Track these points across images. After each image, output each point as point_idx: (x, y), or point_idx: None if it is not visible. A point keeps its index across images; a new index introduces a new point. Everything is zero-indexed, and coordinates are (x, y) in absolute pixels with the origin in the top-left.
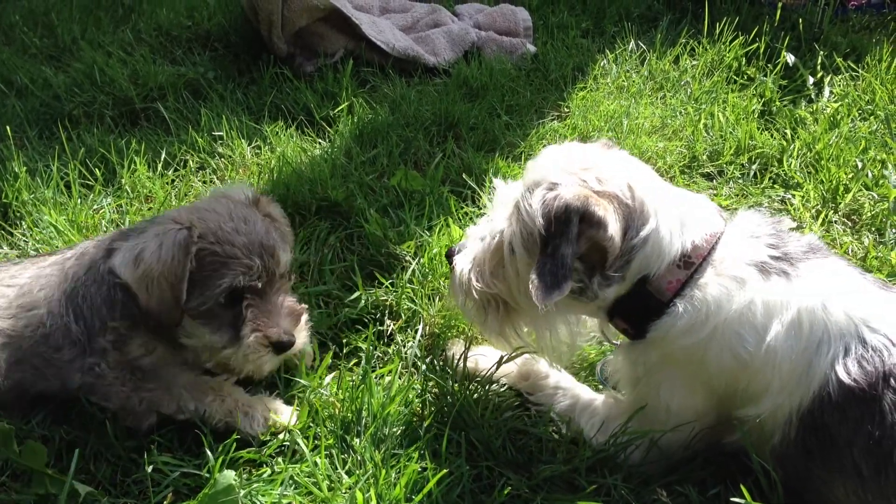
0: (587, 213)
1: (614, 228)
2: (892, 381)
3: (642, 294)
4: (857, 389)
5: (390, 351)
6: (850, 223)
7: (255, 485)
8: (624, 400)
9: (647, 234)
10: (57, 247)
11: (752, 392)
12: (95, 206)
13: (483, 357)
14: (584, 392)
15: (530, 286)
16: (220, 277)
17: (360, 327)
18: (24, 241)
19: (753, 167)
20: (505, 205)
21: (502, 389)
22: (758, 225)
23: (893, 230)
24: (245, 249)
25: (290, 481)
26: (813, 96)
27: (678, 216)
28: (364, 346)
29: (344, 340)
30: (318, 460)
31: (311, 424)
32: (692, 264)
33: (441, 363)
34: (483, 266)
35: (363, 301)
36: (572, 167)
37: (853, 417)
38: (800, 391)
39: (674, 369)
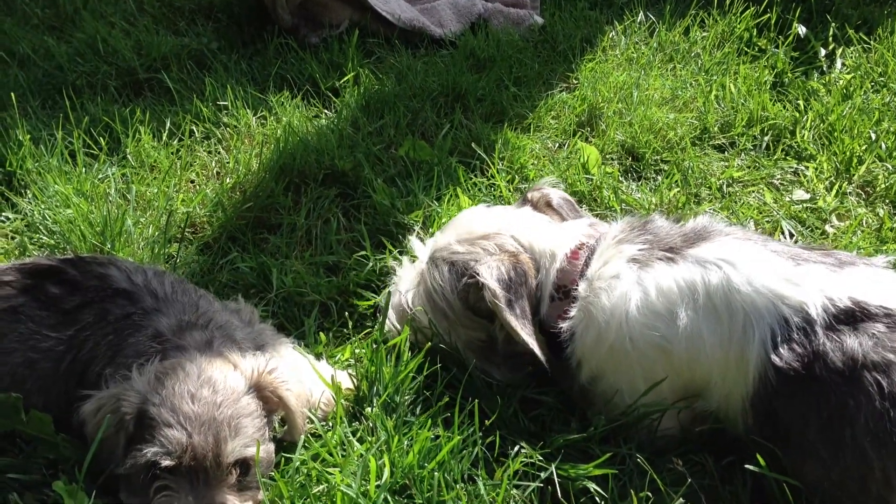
0: (523, 270)
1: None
2: (822, 360)
3: (548, 335)
4: (792, 372)
5: None
6: (864, 194)
7: None
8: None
9: (541, 280)
10: (61, 213)
11: (700, 384)
12: (100, 176)
13: None
14: None
15: (529, 347)
16: (145, 445)
17: (368, 293)
18: (30, 209)
19: (766, 139)
20: (410, 280)
21: None
22: (625, 229)
23: None
24: (184, 419)
25: (303, 448)
26: (825, 68)
27: (549, 254)
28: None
29: (354, 304)
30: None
31: None
32: (568, 290)
33: None
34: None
35: (371, 263)
36: (471, 237)
37: (798, 401)
38: (742, 379)
39: (620, 370)
